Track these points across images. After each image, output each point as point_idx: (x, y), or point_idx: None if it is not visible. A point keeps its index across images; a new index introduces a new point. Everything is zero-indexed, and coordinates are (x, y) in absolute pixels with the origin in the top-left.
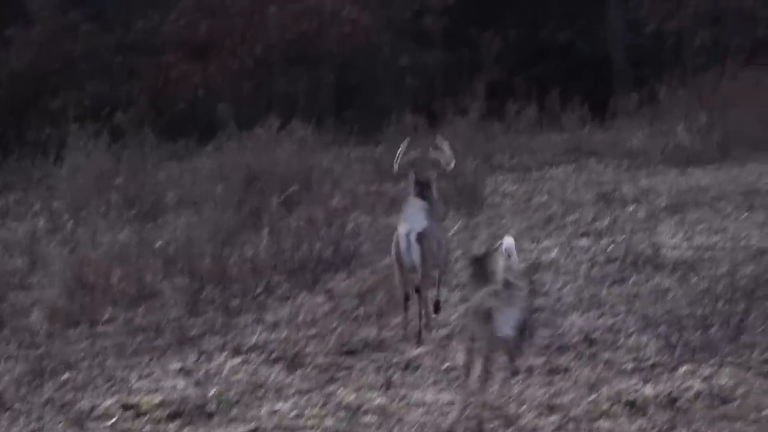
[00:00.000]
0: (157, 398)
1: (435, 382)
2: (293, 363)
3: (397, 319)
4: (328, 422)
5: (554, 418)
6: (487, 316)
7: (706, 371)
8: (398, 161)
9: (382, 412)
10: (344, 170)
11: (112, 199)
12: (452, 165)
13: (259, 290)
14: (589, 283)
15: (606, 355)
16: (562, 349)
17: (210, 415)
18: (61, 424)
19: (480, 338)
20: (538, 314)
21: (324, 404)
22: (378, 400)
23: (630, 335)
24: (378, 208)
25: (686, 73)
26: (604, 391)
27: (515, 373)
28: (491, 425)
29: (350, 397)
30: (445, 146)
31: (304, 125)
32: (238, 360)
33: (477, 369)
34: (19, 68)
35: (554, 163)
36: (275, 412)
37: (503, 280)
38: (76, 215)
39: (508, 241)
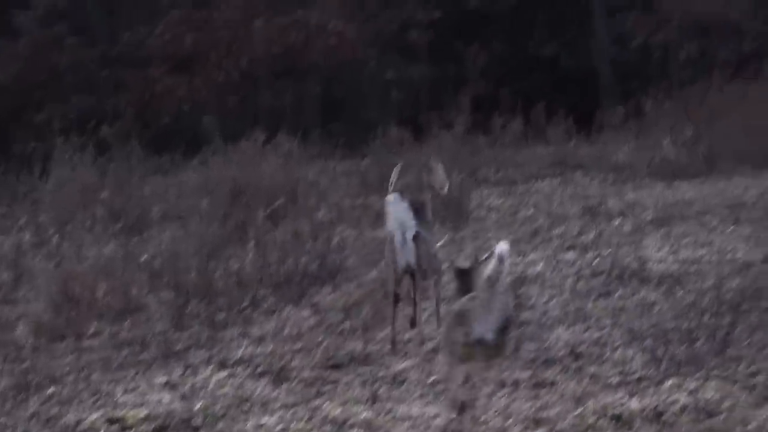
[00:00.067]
0: (143, 412)
1: (421, 396)
2: (279, 377)
3: (383, 333)
4: None
5: (540, 431)
6: (463, 319)
7: (692, 385)
8: (393, 185)
9: (368, 426)
10: (330, 183)
11: (97, 212)
12: (446, 188)
13: (244, 304)
14: (575, 296)
15: (592, 369)
16: (548, 362)
17: (196, 429)
18: None
19: (457, 342)
20: (524, 328)
21: (310, 418)
22: (364, 413)
23: (616, 349)
24: (364, 222)
25: (672, 87)
26: (590, 404)
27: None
28: None
29: (336, 411)
30: (440, 169)
31: (289, 138)
32: (223, 374)
33: (459, 379)
34: (5, 81)
35: (540, 177)
36: (261, 425)
37: (485, 281)
38: (61, 229)
39: (503, 246)
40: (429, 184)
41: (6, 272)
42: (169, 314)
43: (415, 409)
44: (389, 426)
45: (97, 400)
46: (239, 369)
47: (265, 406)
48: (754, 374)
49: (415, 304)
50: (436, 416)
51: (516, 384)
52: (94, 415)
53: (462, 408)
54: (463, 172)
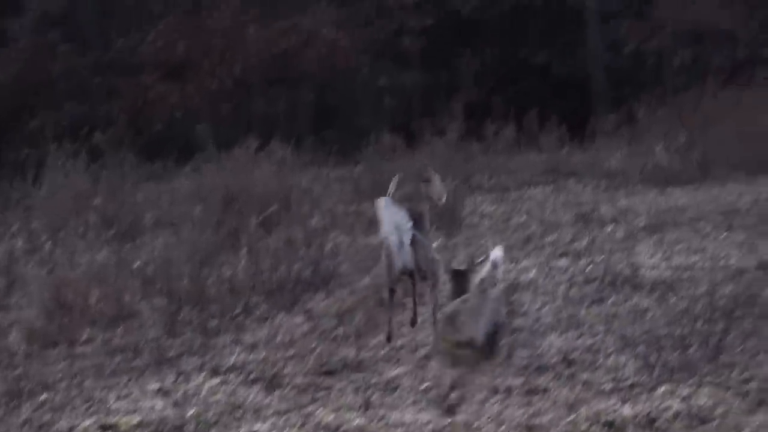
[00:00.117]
0: (136, 419)
1: (414, 403)
2: (272, 384)
3: (376, 340)
4: None
5: None
6: (454, 321)
7: (685, 391)
8: (390, 195)
9: None
10: (323, 190)
11: (90, 219)
12: (444, 199)
13: (237, 311)
14: (568, 303)
15: (585, 376)
16: (541, 369)
17: None
18: None
19: (447, 343)
20: (517, 334)
21: (302, 425)
22: (357, 420)
23: (609, 355)
24: (357, 228)
25: (666, 93)
26: (583, 411)
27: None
28: None
29: (329, 418)
30: (437, 180)
31: (283, 146)
32: (216, 381)
33: (451, 381)
34: None
35: (533, 184)
36: None
37: (478, 285)
38: (54, 235)
39: (497, 253)
40: (427, 195)
41: None
42: (161, 321)
43: (408, 416)
44: None
45: (89, 407)
46: (232, 376)
47: (257, 412)
48: (747, 381)
49: (415, 305)
50: (429, 422)
51: (509, 390)
52: (87, 422)
53: (452, 411)
54: (456, 178)
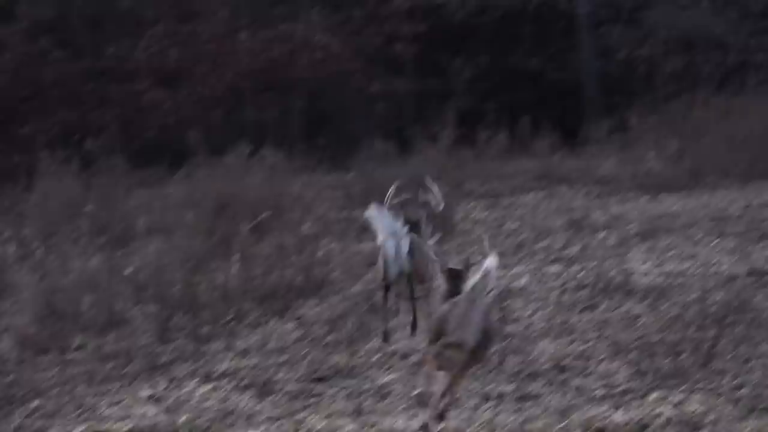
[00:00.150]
0: (128, 425)
1: (405, 409)
2: (263, 390)
3: (367, 346)
4: None
5: None
6: (444, 324)
7: (677, 398)
8: (389, 202)
9: None
10: (315, 197)
11: (82, 225)
12: (442, 206)
13: (229, 317)
14: (560, 309)
15: (576, 382)
16: (533, 375)
17: None
18: None
19: (436, 344)
20: (509, 341)
21: (295, 431)
22: (348, 426)
23: (600, 362)
24: (349, 235)
25: (657, 100)
26: (575, 417)
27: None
28: None
29: (321, 424)
30: (435, 188)
31: (274, 152)
32: (208, 387)
33: (441, 385)
34: None
35: (525, 190)
36: None
37: (469, 291)
38: (46, 242)
39: (492, 260)
40: (425, 202)
41: None
42: (153, 327)
43: (400, 422)
44: None
45: (81, 414)
46: (224, 382)
47: (249, 419)
48: (738, 387)
49: (414, 311)
50: (420, 429)
51: (501, 397)
52: (79, 429)
53: (441, 416)
54: (449, 185)
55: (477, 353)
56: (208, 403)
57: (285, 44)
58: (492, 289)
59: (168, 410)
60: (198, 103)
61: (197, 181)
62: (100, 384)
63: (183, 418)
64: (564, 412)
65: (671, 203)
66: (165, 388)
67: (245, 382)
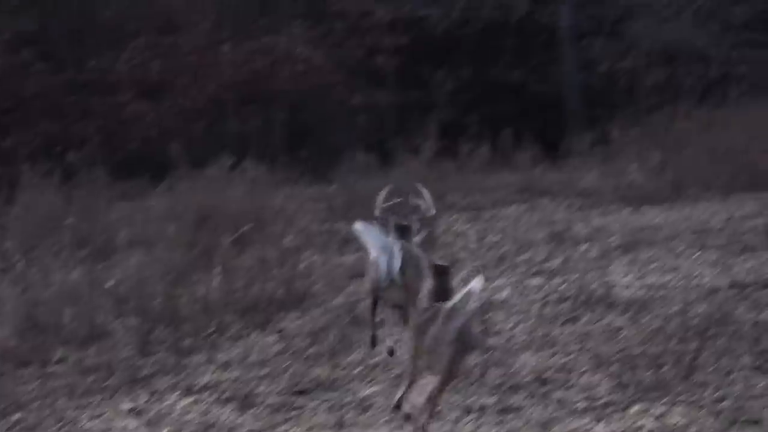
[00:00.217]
0: None
1: (387, 422)
2: (245, 403)
3: (349, 358)
4: None
5: None
6: (421, 336)
7: (659, 410)
8: (379, 207)
9: None
10: (297, 209)
11: (63, 238)
12: (433, 211)
13: (210, 330)
14: (542, 322)
15: (558, 395)
16: (514, 388)
17: None
18: None
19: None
20: (490, 353)
21: None
22: None
23: (582, 374)
24: (331, 247)
25: (639, 113)
26: (557, 430)
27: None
28: None
29: None
30: (425, 193)
31: (256, 164)
32: (189, 400)
33: (421, 397)
34: None
35: (507, 202)
36: None
37: (448, 310)
38: (27, 255)
39: (477, 283)
40: (415, 207)
41: None
42: (134, 340)
43: None
44: None
45: (62, 427)
46: (205, 395)
47: None
48: (720, 399)
49: (405, 322)
50: None
51: (482, 409)
52: None
53: (407, 418)
54: (431, 197)
55: (450, 371)
56: (189, 416)
57: (267, 56)
58: (473, 310)
59: (149, 423)
60: (180, 116)
61: (179, 193)
62: (81, 397)
63: (164, 431)
64: (546, 425)
65: (653, 216)
66: (146, 401)
67: (226, 395)
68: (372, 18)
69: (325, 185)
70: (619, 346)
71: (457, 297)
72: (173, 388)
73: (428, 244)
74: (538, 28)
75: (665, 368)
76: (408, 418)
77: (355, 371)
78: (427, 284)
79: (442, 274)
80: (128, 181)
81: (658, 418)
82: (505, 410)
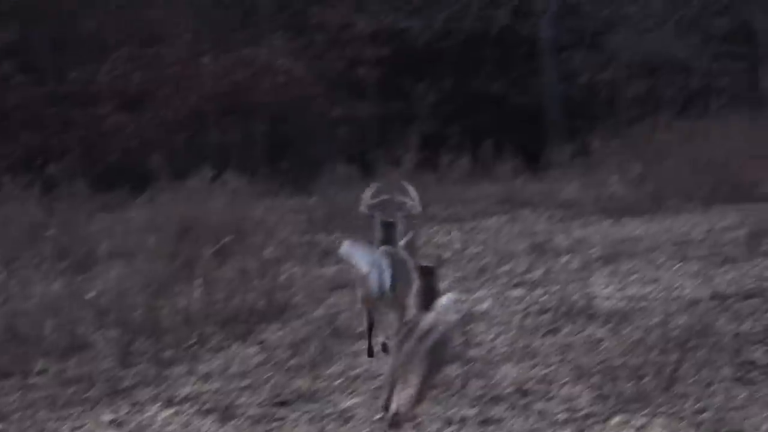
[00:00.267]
0: None
1: None
2: (226, 414)
3: (330, 370)
4: None
5: None
6: (400, 345)
7: (639, 421)
8: (365, 203)
9: None
10: (278, 221)
11: (44, 250)
12: (419, 208)
13: (191, 341)
14: (522, 333)
15: (539, 406)
16: (495, 399)
17: None
18: None
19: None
20: (471, 365)
21: None
22: None
23: (563, 386)
24: (311, 259)
25: (620, 124)
26: None
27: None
28: None
29: None
30: (411, 190)
31: (237, 176)
32: (170, 411)
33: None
34: None
35: (488, 214)
36: None
37: (420, 330)
38: (8, 266)
39: (447, 299)
40: (401, 204)
41: None
42: (115, 352)
43: None
44: None
45: None
46: (186, 406)
47: None
48: (700, 411)
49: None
50: None
51: (463, 421)
52: None
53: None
54: None
55: (422, 387)
56: (170, 428)
57: (248, 68)
58: (447, 327)
59: None
60: (161, 127)
61: (160, 205)
62: (62, 408)
63: None
64: None
65: (634, 227)
66: (127, 413)
67: (207, 406)
68: (353, 30)
69: (306, 197)
70: (599, 357)
71: (429, 317)
72: (154, 399)
73: (412, 245)
74: (519, 39)
75: (646, 379)
76: (392, 425)
77: (336, 383)
78: (415, 285)
79: (428, 275)
80: (109, 193)
81: (638, 429)
82: (485, 422)
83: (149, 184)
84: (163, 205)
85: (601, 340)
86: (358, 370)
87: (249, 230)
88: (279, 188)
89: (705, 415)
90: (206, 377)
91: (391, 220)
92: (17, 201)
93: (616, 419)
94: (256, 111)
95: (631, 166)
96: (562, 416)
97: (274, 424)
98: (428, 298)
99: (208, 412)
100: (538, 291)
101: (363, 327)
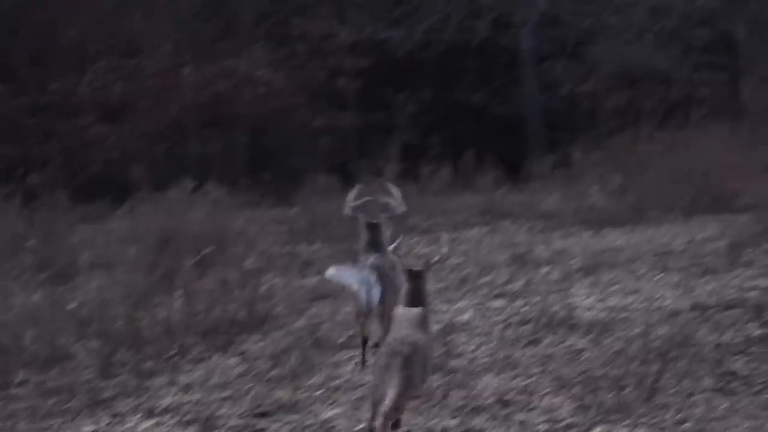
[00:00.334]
0: None
1: None
2: (206, 425)
3: (311, 381)
4: None
5: None
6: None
7: None
8: (349, 205)
9: None
10: (258, 232)
11: (24, 261)
12: (403, 209)
13: (172, 352)
14: (503, 344)
15: (520, 416)
16: (476, 410)
17: None
18: None
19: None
20: (452, 375)
21: None
22: None
23: (544, 396)
24: (292, 270)
25: (600, 135)
26: None
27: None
28: None
29: None
30: (395, 191)
31: (218, 187)
32: (151, 422)
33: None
34: None
35: (468, 225)
36: None
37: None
38: None
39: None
40: (385, 205)
41: None
42: (96, 363)
43: None
44: None
45: None
46: (167, 417)
47: None
48: (681, 421)
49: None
50: None
51: (444, 431)
52: None
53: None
54: None
55: (397, 402)
56: None
57: (228, 79)
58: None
59: None
60: (141, 138)
61: (140, 216)
62: (43, 419)
63: None
64: None
65: (614, 238)
66: (108, 424)
67: (188, 417)
68: (334, 40)
69: (287, 207)
70: (580, 368)
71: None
72: (135, 410)
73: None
74: (500, 50)
75: (627, 390)
76: None
77: (317, 393)
78: (404, 288)
79: (416, 277)
80: (90, 204)
81: None
82: None
83: (130, 195)
84: (144, 216)
85: (582, 350)
86: (338, 381)
87: (230, 241)
88: (260, 199)
89: (686, 425)
90: (187, 388)
91: (376, 221)
92: None
93: (597, 430)
94: (237, 122)
95: (611, 177)
96: (543, 427)
97: None
98: (416, 300)
99: (189, 423)
100: (519, 302)
101: (343, 338)
